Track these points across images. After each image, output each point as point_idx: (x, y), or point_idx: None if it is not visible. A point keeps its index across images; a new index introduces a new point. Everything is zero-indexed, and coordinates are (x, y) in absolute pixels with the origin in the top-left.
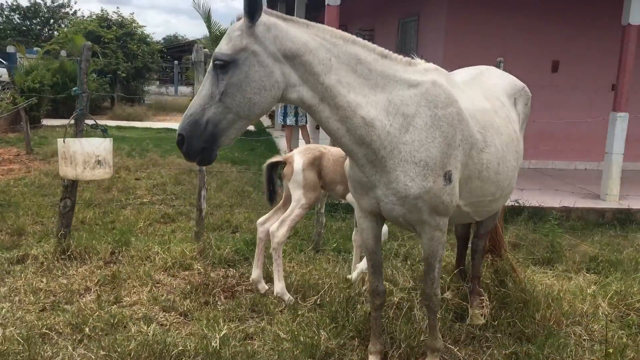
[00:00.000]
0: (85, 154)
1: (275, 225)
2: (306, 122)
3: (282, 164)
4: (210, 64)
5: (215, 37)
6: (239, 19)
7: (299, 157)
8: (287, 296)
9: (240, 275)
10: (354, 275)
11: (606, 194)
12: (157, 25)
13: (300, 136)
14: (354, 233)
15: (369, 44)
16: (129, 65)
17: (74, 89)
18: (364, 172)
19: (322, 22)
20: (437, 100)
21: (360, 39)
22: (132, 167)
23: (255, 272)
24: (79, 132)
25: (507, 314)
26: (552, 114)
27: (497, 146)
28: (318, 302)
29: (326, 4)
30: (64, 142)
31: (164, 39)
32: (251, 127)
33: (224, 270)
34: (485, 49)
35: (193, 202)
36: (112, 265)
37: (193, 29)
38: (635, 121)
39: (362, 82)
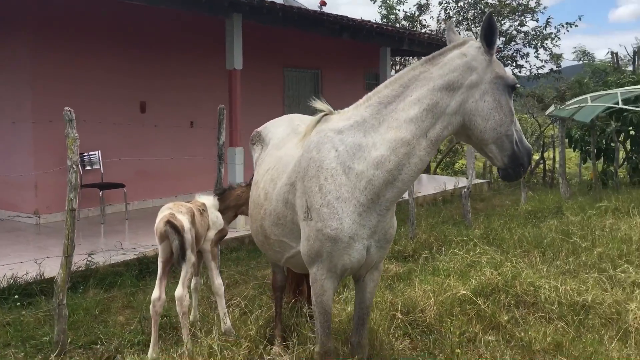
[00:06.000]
0: None
1: (179, 290)
2: None
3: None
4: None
5: None
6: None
7: (183, 217)
8: None
9: None
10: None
11: None
12: None
13: None
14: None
15: None
16: None
17: None
18: (382, 217)
19: None
20: None
21: None
22: None
23: (155, 352)
24: None
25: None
26: (143, 151)
27: None
28: None
29: None
30: None
31: None
32: None
33: None
34: (77, 93)
35: None
36: None
37: None
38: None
39: None
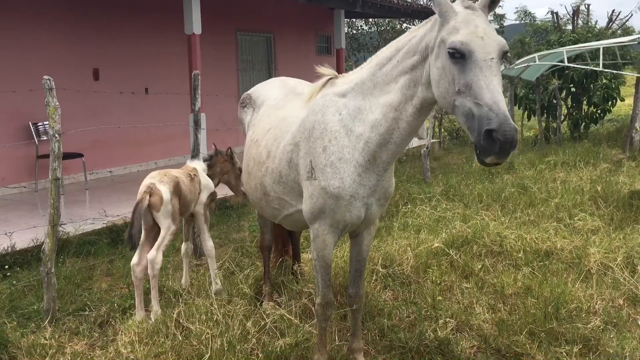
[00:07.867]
0: None
1: (152, 253)
2: None
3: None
4: (500, 59)
5: None
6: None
7: (163, 187)
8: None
9: None
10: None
11: None
12: None
13: None
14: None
15: None
16: None
17: None
18: (381, 177)
19: None
20: None
21: None
22: None
23: (141, 314)
24: None
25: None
26: (99, 120)
27: None
28: None
29: None
30: None
31: None
32: None
33: None
34: (26, 61)
35: None
36: None
37: None
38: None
39: None
